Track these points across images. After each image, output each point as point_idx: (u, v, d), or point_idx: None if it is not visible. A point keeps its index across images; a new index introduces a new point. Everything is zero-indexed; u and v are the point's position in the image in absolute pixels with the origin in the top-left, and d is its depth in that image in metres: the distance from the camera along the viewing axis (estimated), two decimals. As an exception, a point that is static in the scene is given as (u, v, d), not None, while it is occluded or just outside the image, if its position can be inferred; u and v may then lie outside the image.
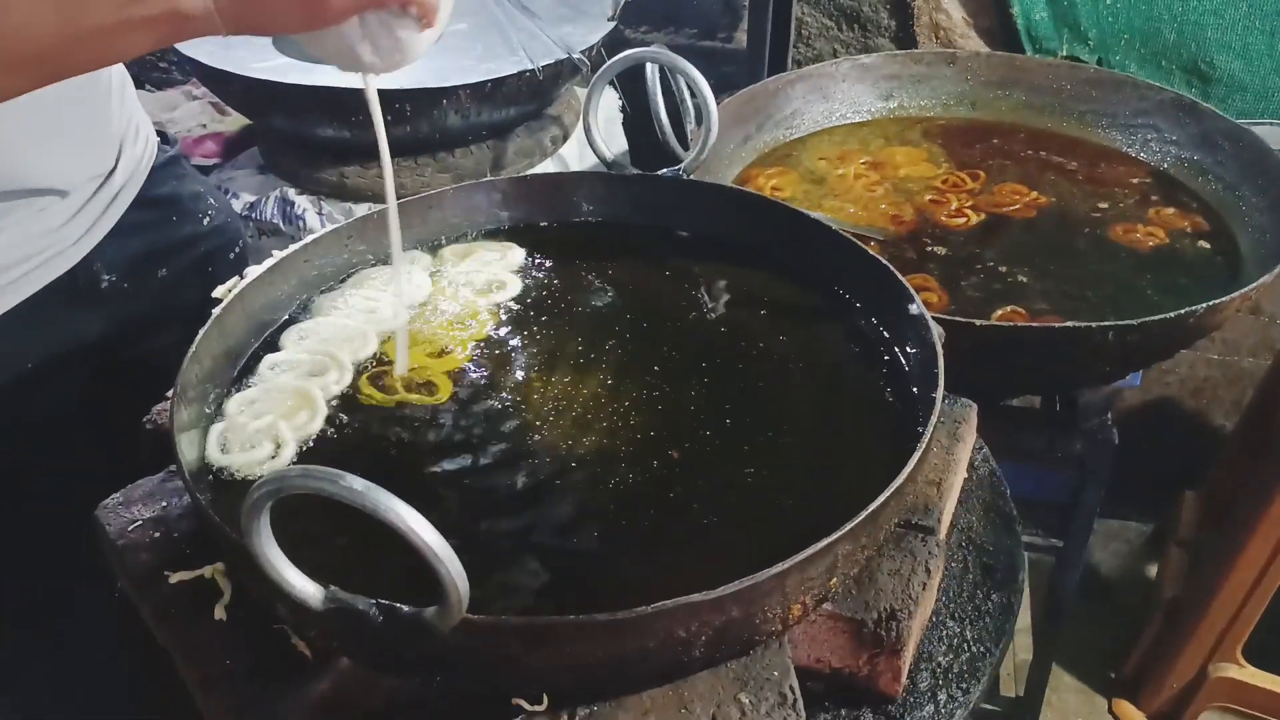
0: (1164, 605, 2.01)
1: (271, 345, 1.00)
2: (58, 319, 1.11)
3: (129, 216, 1.17)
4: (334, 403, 0.93)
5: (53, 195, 1.06)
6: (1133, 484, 1.97)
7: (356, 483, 0.58)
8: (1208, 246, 1.48)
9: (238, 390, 0.93)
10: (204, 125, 1.98)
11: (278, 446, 0.86)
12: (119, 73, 1.16)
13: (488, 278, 1.09)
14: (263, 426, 0.88)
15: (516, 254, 1.13)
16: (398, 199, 1.12)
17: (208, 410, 0.90)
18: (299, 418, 0.90)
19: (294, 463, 0.86)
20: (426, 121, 1.58)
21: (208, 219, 1.30)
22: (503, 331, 1.02)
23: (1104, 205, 1.56)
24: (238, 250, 1.35)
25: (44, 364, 1.10)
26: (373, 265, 1.11)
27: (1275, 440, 1.73)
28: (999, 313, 1.31)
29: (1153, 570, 2.31)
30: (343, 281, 1.08)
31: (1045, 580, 1.83)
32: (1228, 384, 2.30)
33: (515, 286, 1.08)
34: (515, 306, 1.06)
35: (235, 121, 1.97)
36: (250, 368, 0.97)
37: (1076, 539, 1.59)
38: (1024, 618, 2.18)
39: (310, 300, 1.05)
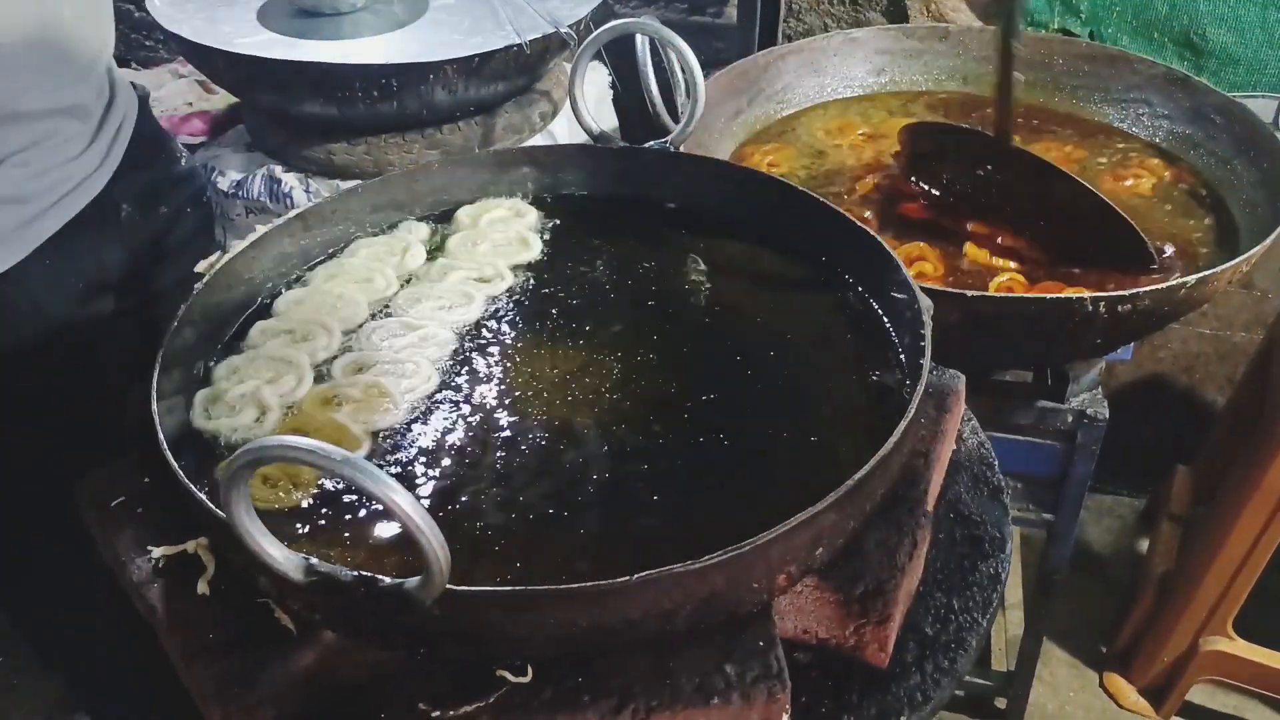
0: (1155, 580, 2.02)
1: (264, 313, 1.00)
2: (85, 251, 1.14)
3: (132, 150, 1.21)
4: (322, 368, 0.93)
5: (71, 119, 1.10)
6: (1125, 459, 1.97)
7: (335, 452, 0.57)
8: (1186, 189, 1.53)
9: (227, 358, 0.93)
10: (190, 104, 1.96)
11: (262, 412, 0.86)
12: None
13: (509, 236, 1.10)
14: (247, 392, 0.87)
15: (531, 214, 1.14)
16: (385, 175, 1.12)
17: (194, 379, 0.91)
18: (284, 383, 0.89)
19: (278, 429, 0.85)
20: (414, 97, 1.57)
21: (184, 159, 1.37)
22: (488, 305, 1.02)
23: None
24: (207, 196, 1.43)
25: (77, 293, 1.14)
26: (367, 236, 1.10)
27: (1267, 416, 1.73)
28: (1000, 280, 1.31)
29: (1144, 545, 2.32)
30: (336, 252, 1.08)
31: (1036, 555, 1.84)
32: (1220, 359, 2.30)
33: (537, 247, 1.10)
34: (510, 280, 1.05)
35: (222, 100, 1.96)
36: (241, 334, 0.97)
37: (1068, 513, 1.59)
38: (1015, 592, 2.19)
39: (302, 270, 1.05)
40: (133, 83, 1.31)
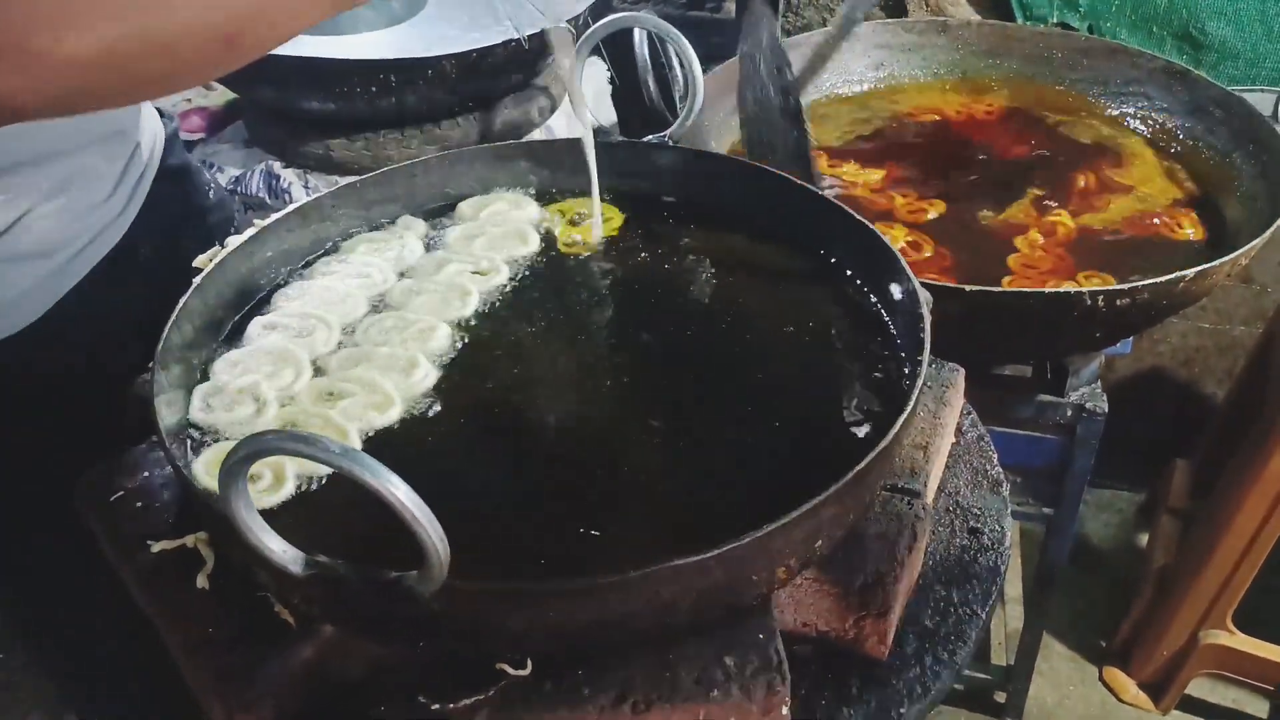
0: (1155, 573, 2.02)
1: (262, 308, 1.00)
2: (113, 297, 1.10)
3: (156, 189, 1.17)
4: (320, 363, 0.93)
5: (101, 156, 1.06)
6: (1124, 453, 1.97)
7: (334, 445, 0.57)
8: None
9: (226, 352, 0.93)
10: (189, 100, 1.96)
11: (260, 406, 0.86)
12: None
13: (508, 230, 1.10)
14: (245, 385, 0.87)
15: (531, 208, 1.14)
16: (383, 170, 1.11)
17: (193, 373, 0.90)
18: (283, 377, 0.89)
19: (276, 423, 0.85)
20: (412, 93, 1.57)
21: (211, 190, 1.31)
22: (486, 299, 1.02)
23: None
24: (236, 225, 1.35)
25: (107, 343, 1.09)
26: (365, 231, 1.10)
27: (1266, 409, 1.73)
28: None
29: (1144, 539, 2.32)
30: (335, 247, 1.08)
31: (1036, 549, 1.84)
32: (1219, 353, 2.30)
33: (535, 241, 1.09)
34: (507, 273, 1.05)
35: (220, 96, 1.95)
36: (240, 330, 0.96)
37: (1067, 507, 1.60)
38: (1015, 586, 2.19)
39: (302, 266, 1.05)
40: (159, 110, 1.27)
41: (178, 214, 1.22)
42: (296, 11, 0.72)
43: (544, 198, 1.16)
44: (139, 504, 0.85)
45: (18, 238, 0.98)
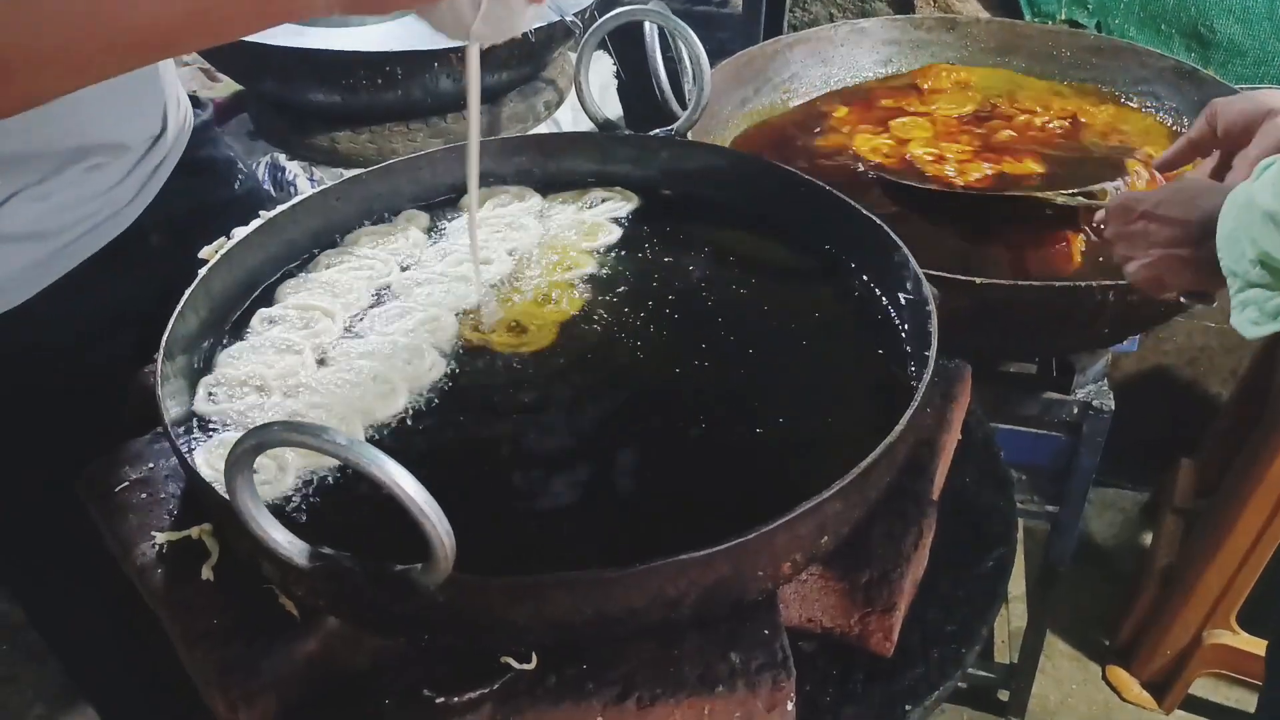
0: (1159, 572, 2.01)
1: (267, 299, 1.00)
2: (109, 284, 1.08)
3: (174, 180, 1.16)
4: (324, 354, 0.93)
5: (106, 155, 1.04)
6: (1129, 451, 1.97)
7: (340, 437, 0.57)
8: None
9: (230, 344, 0.93)
10: (193, 91, 1.96)
11: (265, 396, 0.86)
12: None
13: (511, 222, 1.10)
14: (249, 376, 0.88)
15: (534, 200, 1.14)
16: (388, 163, 1.11)
17: (197, 365, 0.90)
18: (287, 368, 0.89)
19: (281, 414, 0.85)
20: (418, 85, 1.56)
21: (239, 183, 1.29)
22: (489, 290, 1.01)
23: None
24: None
25: (93, 330, 1.07)
26: (370, 224, 1.10)
27: (1271, 409, 1.72)
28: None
29: (1148, 538, 2.31)
30: (339, 239, 1.08)
31: (1040, 547, 1.83)
32: (1225, 352, 2.29)
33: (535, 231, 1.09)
34: (511, 264, 1.05)
35: (226, 87, 1.95)
36: (244, 322, 0.97)
37: (1072, 505, 1.59)
38: (1019, 584, 2.18)
39: (306, 257, 1.05)
40: (193, 99, 1.24)
41: (196, 206, 1.19)
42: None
43: (548, 190, 1.15)
44: (143, 495, 0.84)
45: (4, 220, 0.96)
